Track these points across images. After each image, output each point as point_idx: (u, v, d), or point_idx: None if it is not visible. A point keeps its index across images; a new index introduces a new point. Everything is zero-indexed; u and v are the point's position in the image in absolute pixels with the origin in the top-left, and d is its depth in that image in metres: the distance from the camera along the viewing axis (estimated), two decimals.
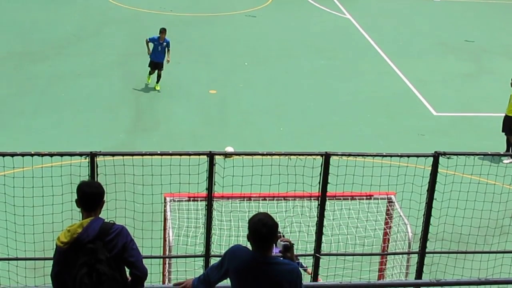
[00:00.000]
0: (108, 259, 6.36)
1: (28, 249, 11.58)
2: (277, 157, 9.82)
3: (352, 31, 30.92)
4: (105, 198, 6.80)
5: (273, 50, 27.71)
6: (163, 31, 23.00)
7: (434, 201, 9.74)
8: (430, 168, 9.65)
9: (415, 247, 10.60)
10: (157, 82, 23.04)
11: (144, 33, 28.67)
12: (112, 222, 6.63)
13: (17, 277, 11.80)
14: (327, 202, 9.78)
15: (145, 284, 6.90)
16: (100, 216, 6.74)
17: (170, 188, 10.82)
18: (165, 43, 23.01)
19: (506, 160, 18.84)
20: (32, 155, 9.20)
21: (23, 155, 9.23)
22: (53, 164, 13.15)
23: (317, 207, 9.72)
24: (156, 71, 23.14)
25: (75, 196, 6.79)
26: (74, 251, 6.40)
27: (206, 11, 32.55)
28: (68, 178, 13.24)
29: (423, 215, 9.84)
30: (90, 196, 6.59)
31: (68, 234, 6.44)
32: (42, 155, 9.29)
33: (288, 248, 6.62)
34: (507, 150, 19.18)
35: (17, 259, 11.57)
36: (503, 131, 19.24)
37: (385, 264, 12.24)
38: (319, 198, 9.61)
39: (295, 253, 6.80)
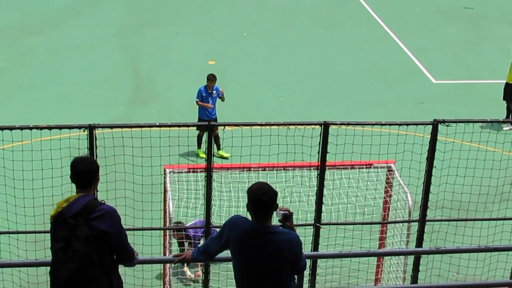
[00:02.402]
0: (87, 237, 6.17)
1: (28, 223, 11.58)
2: (276, 127, 9.78)
3: (351, 0, 30.70)
4: (100, 174, 6.71)
5: (271, 20, 27.54)
6: (211, 78, 17.51)
7: (433, 169, 9.71)
8: (430, 136, 9.60)
9: (415, 215, 10.58)
10: (219, 149, 16.95)
11: (143, 5, 28.51)
12: (102, 201, 6.48)
13: (17, 250, 11.80)
14: (327, 172, 9.75)
15: (146, 256, 6.89)
16: (97, 189, 6.69)
17: (170, 159, 10.78)
18: (215, 91, 17.57)
19: (506, 127, 18.78)
20: (30, 128, 9.15)
21: (21, 128, 9.19)
22: (52, 137, 13.09)
23: (317, 177, 9.69)
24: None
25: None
26: (57, 225, 6.32)
27: None
28: (67, 151, 13.16)
29: (423, 183, 9.81)
30: (82, 172, 6.41)
31: (55, 208, 6.38)
32: (41, 128, 9.24)
33: (287, 217, 6.60)
34: (507, 117, 19.12)
35: (17, 232, 11.57)
36: (504, 99, 19.17)
37: (386, 233, 12.25)
38: (319, 168, 9.58)
39: (294, 222, 6.78)
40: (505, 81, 19.20)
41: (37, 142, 13.66)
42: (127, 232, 11.44)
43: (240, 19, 27.53)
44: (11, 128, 9.24)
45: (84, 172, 6.42)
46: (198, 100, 17.41)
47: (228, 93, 20.64)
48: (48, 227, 12.80)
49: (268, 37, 25.58)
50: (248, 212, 6.45)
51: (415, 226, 10.60)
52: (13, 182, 10.73)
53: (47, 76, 21.47)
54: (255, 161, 10.91)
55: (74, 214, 6.24)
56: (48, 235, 6.53)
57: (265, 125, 9.62)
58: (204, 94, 17.38)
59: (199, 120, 16.97)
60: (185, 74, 21.96)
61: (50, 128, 9.48)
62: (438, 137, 9.62)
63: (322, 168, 9.57)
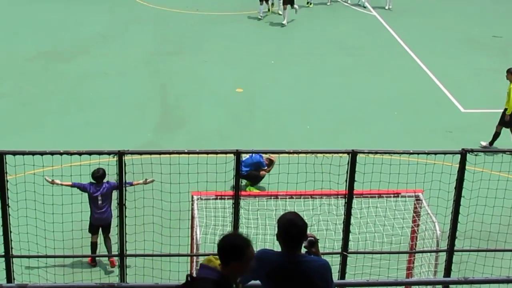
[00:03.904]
0: None
1: (57, 247, 11.69)
2: (304, 155, 9.84)
3: (378, 28, 30.79)
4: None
5: (298, 48, 27.67)
6: None
7: (462, 198, 9.70)
8: (458, 165, 9.61)
9: (443, 245, 10.55)
10: (253, 185, 16.76)
11: (171, 33, 28.85)
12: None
13: (46, 274, 11.93)
14: (354, 200, 9.78)
15: (173, 282, 6.93)
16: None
17: (197, 186, 10.86)
18: None
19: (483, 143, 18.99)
20: (61, 153, 9.29)
21: (52, 153, 9.33)
22: (81, 162, 13.23)
23: (344, 205, 9.72)
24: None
25: None
26: None
27: (231, 10, 32.58)
28: None
29: (451, 212, 9.80)
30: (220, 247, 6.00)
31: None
32: (71, 153, 9.38)
33: (313, 243, 6.64)
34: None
35: (46, 256, 11.70)
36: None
37: (413, 262, 12.20)
38: (346, 196, 9.61)
39: (321, 251, 6.82)
40: None
41: (67, 168, 13.82)
42: (155, 258, 11.54)
43: (267, 47, 27.69)
44: (41, 154, 9.38)
45: (222, 247, 6.00)
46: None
47: (256, 120, 20.77)
48: (76, 251, 12.94)
49: (295, 65, 25.68)
50: (277, 240, 6.49)
51: (443, 256, 10.57)
52: (43, 207, 10.87)
53: (77, 102, 21.70)
54: (283, 189, 10.97)
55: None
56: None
57: (293, 153, 9.69)
58: None
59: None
60: (213, 101, 22.10)
61: (80, 153, 9.62)
62: (467, 167, 9.62)
63: (349, 196, 9.60)
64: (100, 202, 13.21)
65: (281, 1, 30.30)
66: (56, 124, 20.05)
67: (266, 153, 9.95)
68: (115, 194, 13.27)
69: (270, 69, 25.26)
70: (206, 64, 25.35)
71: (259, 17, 30.54)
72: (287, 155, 10.04)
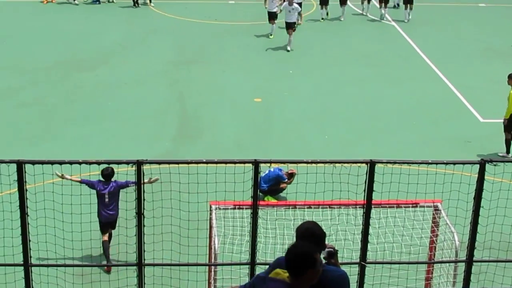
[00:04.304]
0: None
1: (76, 256, 11.74)
2: (322, 165, 9.83)
3: (397, 38, 30.75)
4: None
5: (317, 57, 27.68)
6: None
7: (481, 208, 9.65)
8: (477, 175, 9.56)
9: (462, 255, 10.50)
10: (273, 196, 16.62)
11: (189, 42, 28.95)
12: None
13: (65, 283, 11.96)
14: (373, 210, 9.75)
15: None
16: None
17: (216, 196, 10.88)
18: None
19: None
20: (80, 163, 9.33)
21: (71, 163, 9.37)
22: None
23: (363, 215, 9.69)
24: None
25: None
26: None
27: (250, 19, 32.66)
28: None
29: (470, 223, 9.75)
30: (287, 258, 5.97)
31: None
32: (90, 163, 9.42)
33: (332, 254, 6.63)
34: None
35: (65, 265, 11.74)
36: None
37: (432, 273, 12.14)
38: (365, 206, 9.59)
39: (340, 261, 6.80)
40: None
41: (86, 177, 13.93)
42: (173, 267, 11.56)
43: (286, 57, 27.71)
44: (60, 163, 9.43)
45: (296, 257, 5.95)
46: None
47: (274, 130, 20.77)
48: (95, 260, 12.98)
49: (313, 75, 25.69)
50: None
51: (462, 267, 10.51)
52: (61, 216, 10.91)
53: (95, 111, 21.81)
54: (301, 198, 10.96)
55: None
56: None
57: (311, 162, 9.68)
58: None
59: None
60: (231, 111, 22.14)
61: (98, 163, 9.66)
62: (486, 177, 9.57)
63: (368, 206, 9.58)
64: (107, 200, 13.43)
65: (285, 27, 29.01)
66: (75, 133, 20.15)
67: (284, 163, 9.94)
68: (122, 195, 13.40)
69: (288, 78, 25.28)
70: (224, 73, 25.41)
71: (270, 36, 29.92)
72: (305, 164, 10.03)
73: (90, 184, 13.58)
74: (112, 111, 21.84)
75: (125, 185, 13.32)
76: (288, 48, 28.24)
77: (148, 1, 34.65)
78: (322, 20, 32.80)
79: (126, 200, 12.85)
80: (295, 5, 28.34)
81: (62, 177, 12.87)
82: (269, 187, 16.28)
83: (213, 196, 10.86)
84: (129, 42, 29.02)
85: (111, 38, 29.39)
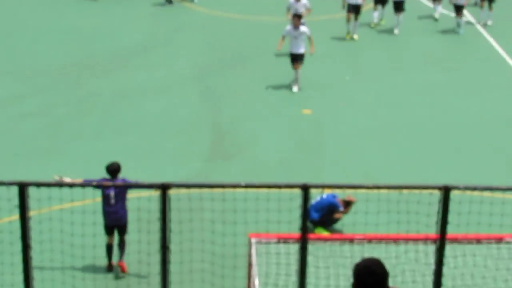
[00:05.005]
0: None
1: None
2: (386, 190, 9.78)
3: (476, 37, 30.61)
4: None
5: (378, 61, 27.65)
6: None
7: None
8: None
9: None
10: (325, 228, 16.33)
11: (224, 42, 29.07)
12: None
13: None
14: (447, 246, 9.66)
15: None
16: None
17: (256, 227, 10.88)
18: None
19: None
20: (94, 186, 9.39)
21: (83, 185, 9.43)
22: None
23: (435, 252, 9.62)
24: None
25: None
26: None
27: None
28: (135, 214, 13.50)
29: None
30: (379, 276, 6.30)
31: None
32: (106, 186, 9.47)
33: None
34: None
35: None
36: None
37: None
38: (437, 241, 9.51)
39: None
40: None
41: (99, 203, 14.00)
42: None
43: (341, 60, 27.73)
44: (71, 185, 9.48)
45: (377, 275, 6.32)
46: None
47: (327, 148, 20.75)
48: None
49: (374, 82, 25.65)
50: None
51: None
52: (71, 249, 10.99)
53: (112, 124, 21.98)
54: (360, 231, 10.92)
55: None
56: None
57: (372, 187, 9.62)
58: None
59: None
60: (275, 125, 22.17)
61: (116, 186, 9.71)
62: None
63: (441, 241, 9.50)
64: (112, 201, 13.53)
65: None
66: (88, 149, 20.31)
67: (339, 187, 9.87)
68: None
69: (344, 86, 25.27)
70: (266, 80, 25.44)
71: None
72: (365, 190, 10.00)
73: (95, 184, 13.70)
74: (131, 124, 21.99)
75: (134, 184, 13.36)
76: (295, 89, 24.71)
77: None
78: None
79: (149, 231, 12.92)
80: (303, 28, 24.70)
81: (61, 180, 12.93)
82: (321, 217, 16.24)
83: (253, 227, 10.87)
84: (152, 41, 29.24)
85: (132, 36, 29.63)
